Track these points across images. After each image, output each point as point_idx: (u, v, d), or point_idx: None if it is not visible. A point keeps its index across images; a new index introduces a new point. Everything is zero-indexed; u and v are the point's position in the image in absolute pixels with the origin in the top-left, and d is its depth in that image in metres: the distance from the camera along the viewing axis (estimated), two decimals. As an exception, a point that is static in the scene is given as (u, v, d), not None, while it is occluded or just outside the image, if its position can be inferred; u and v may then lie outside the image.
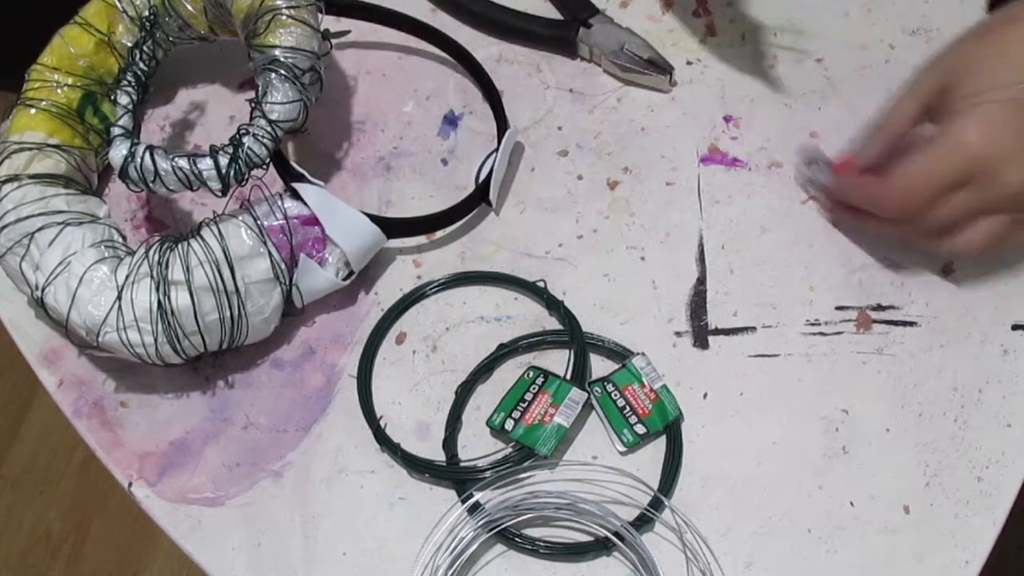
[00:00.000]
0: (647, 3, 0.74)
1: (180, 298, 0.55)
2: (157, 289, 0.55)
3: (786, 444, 0.58)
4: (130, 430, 0.61)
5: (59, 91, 0.62)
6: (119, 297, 0.55)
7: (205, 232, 0.57)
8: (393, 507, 0.57)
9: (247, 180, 0.58)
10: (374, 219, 0.61)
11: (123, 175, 0.57)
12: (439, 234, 0.66)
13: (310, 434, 0.60)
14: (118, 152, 0.57)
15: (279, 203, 0.59)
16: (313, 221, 0.60)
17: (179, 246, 0.57)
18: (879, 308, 0.61)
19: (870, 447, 0.57)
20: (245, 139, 0.57)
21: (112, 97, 0.61)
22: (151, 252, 0.57)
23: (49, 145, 0.60)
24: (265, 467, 0.59)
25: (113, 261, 0.57)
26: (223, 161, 0.57)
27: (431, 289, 0.63)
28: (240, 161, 0.57)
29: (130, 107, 0.59)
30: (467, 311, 0.63)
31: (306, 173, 0.61)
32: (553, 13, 0.74)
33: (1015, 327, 0.60)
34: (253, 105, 0.59)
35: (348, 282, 0.61)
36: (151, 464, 0.59)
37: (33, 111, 0.61)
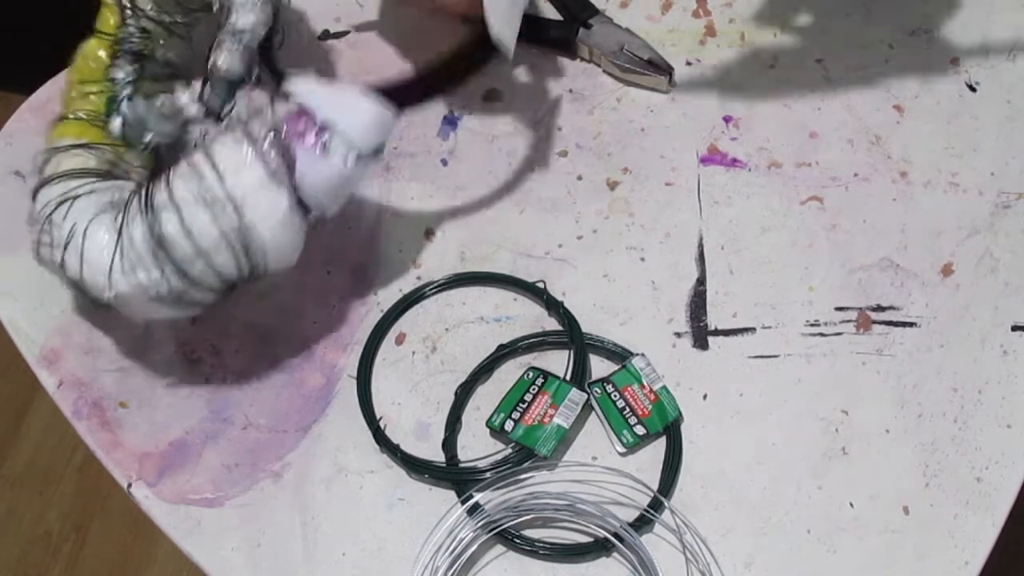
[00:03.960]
0: (647, 3, 0.74)
1: (169, 220, 0.53)
2: (146, 218, 0.53)
3: (786, 445, 0.57)
4: (130, 430, 0.61)
5: (89, 100, 0.62)
6: (119, 238, 0.54)
7: (191, 151, 0.55)
8: (392, 508, 0.57)
9: (233, 101, 0.56)
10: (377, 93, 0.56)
11: (124, 138, 0.57)
12: (443, 227, 0.66)
13: (310, 434, 0.60)
14: (114, 122, 0.57)
15: (269, 108, 0.55)
16: (305, 114, 0.54)
17: (166, 171, 0.55)
18: (879, 309, 0.61)
19: (870, 448, 0.57)
20: (213, 55, 0.56)
21: (108, 77, 0.61)
22: (142, 186, 0.55)
23: (76, 145, 0.61)
24: (265, 467, 0.59)
25: (117, 209, 0.55)
26: (197, 86, 0.55)
27: (431, 290, 0.63)
28: (213, 79, 0.55)
29: (127, 79, 0.59)
30: (467, 312, 0.63)
31: (296, 72, 0.58)
32: (553, 13, 0.74)
33: (1015, 327, 0.60)
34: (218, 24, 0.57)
35: (365, 170, 0.56)
36: (151, 465, 0.59)
37: (67, 120, 0.62)
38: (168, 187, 0.53)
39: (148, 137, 0.56)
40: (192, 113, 0.55)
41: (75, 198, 0.56)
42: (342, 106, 0.54)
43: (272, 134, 0.54)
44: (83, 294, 0.57)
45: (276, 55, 0.61)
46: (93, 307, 0.61)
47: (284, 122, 0.54)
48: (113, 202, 0.57)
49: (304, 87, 0.55)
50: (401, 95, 0.57)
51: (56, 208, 0.56)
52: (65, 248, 0.55)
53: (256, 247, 0.54)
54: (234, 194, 0.53)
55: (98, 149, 0.61)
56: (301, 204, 0.54)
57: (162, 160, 0.57)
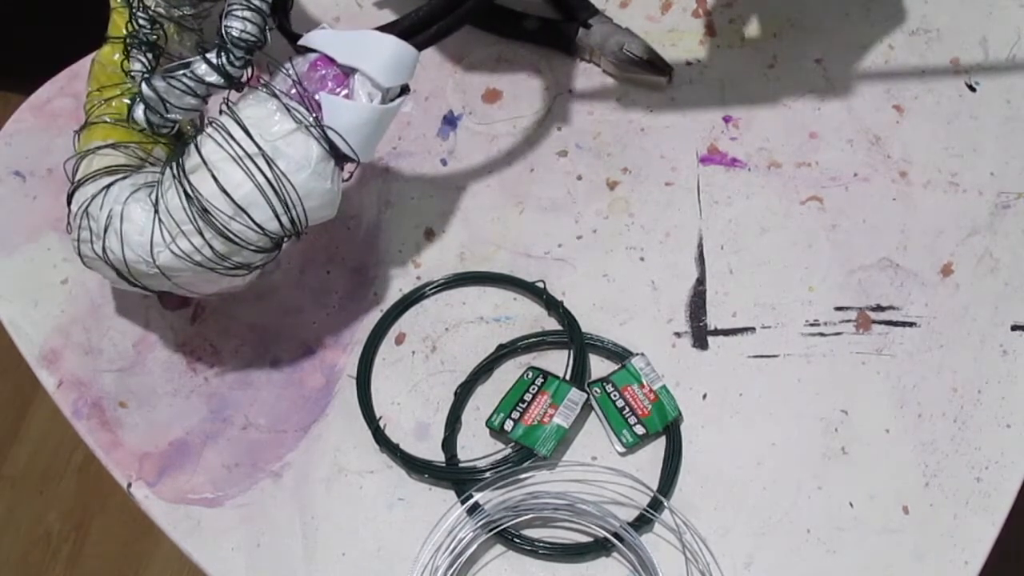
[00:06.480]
0: (647, 3, 0.74)
1: (203, 181, 0.53)
2: (180, 183, 0.53)
3: (785, 445, 0.57)
4: (129, 430, 0.61)
5: (111, 105, 0.63)
6: (156, 212, 0.54)
7: (218, 115, 0.55)
8: (392, 508, 0.57)
9: (250, 65, 0.56)
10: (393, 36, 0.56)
11: (149, 124, 0.56)
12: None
13: (309, 434, 0.60)
14: (137, 109, 0.57)
15: (288, 64, 0.56)
16: (324, 62, 0.55)
17: (194, 141, 0.55)
18: (878, 309, 0.61)
19: (869, 448, 0.57)
20: (225, 21, 0.55)
21: (125, 70, 0.61)
22: (172, 158, 0.55)
23: (105, 146, 0.61)
24: (264, 467, 0.59)
25: (150, 188, 0.55)
26: (212, 54, 0.55)
27: (430, 289, 0.63)
28: (229, 46, 0.55)
29: (145, 72, 0.59)
30: (466, 311, 0.63)
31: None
32: (553, 13, 0.74)
33: (1014, 327, 0.60)
34: None
35: (392, 110, 0.56)
36: (150, 464, 0.59)
37: (92, 126, 0.62)
38: (198, 151, 0.53)
39: (172, 115, 0.56)
40: (212, 80, 0.55)
41: (108, 186, 0.56)
42: (361, 49, 0.55)
43: (295, 86, 0.54)
44: (130, 283, 0.56)
45: (288, 16, 0.61)
46: (141, 298, 0.60)
47: (305, 72, 0.55)
48: (147, 183, 0.57)
49: (321, 36, 0.56)
50: (415, 31, 0.57)
51: (91, 201, 0.56)
52: (104, 233, 0.55)
53: (292, 198, 0.54)
54: (264, 147, 0.53)
55: (126, 147, 0.61)
56: (333, 151, 0.55)
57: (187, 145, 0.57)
